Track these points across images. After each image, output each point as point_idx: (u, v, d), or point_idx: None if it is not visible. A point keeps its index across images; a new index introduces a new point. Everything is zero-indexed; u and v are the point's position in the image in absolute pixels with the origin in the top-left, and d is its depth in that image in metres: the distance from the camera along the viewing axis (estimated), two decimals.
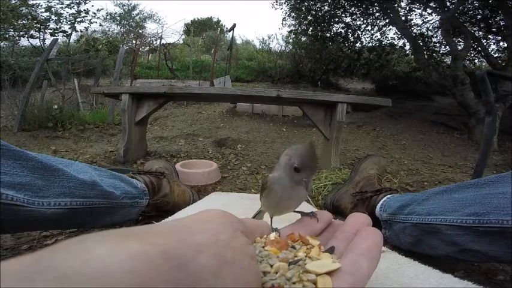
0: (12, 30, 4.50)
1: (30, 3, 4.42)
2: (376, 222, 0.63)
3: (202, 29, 11.86)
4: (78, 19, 4.82)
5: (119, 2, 9.93)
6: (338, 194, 0.81)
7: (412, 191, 1.08)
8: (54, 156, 0.89)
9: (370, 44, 4.90)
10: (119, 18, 9.65)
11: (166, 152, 1.60)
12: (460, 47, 3.18)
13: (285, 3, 4.72)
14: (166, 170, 0.85)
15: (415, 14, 4.29)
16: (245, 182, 1.15)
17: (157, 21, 10.73)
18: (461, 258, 0.47)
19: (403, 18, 3.96)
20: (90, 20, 4.96)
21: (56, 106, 2.40)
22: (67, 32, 4.84)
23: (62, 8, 4.65)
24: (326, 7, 4.37)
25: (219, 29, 10.13)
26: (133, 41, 8.00)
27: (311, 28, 4.70)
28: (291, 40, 5.74)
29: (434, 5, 3.45)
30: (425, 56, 3.39)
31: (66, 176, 0.47)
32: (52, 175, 0.45)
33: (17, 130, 2.12)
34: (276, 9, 4.95)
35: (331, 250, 0.22)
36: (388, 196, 0.65)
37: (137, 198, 0.63)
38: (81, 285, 0.10)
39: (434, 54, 4.38)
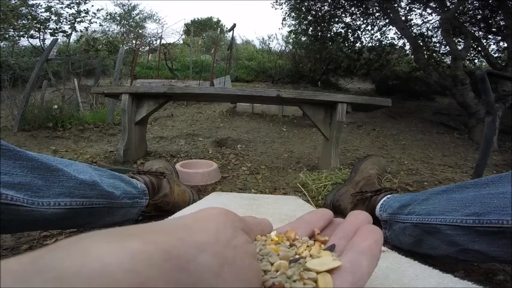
0: (12, 30, 4.50)
1: (30, 3, 4.42)
2: (376, 222, 0.63)
3: (202, 29, 11.86)
4: (78, 19, 4.83)
5: (119, 2, 9.94)
6: (338, 194, 0.81)
7: (412, 191, 1.08)
8: (54, 156, 0.89)
9: (370, 44, 4.90)
10: (119, 18, 9.64)
11: (166, 152, 1.60)
12: (460, 47, 3.18)
13: (285, 3, 4.72)
14: (166, 170, 0.85)
15: (415, 14, 4.30)
16: (245, 182, 1.15)
17: (157, 21, 10.73)
18: (461, 258, 0.47)
19: (403, 18, 3.96)
20: (90, 20, 4.96)
21: (56, 106, 2.40)
22: (67, 32, 4.85)
23: (62, 8, 4.66)
24: (326, 7, 4.37)
25: (219, 29, 10.13)
26: (133, 41, 8.01)
27: (311, 28, 4.70)
28: (291, 40, 5.74)
29: (434, 5, 3.45)
30: (425, 56, 3.39)
31: (66, 176, 0.47)
32: (52, 175, 0.45)
33: (17, 130, 2.12)
34: (276, 9, 4.96)
35: (331, 248, 0.22)
36: (388, 196, 0.65)
37: (137, 198, 0.63)
38: (80, 285, 0.10)
39: (434, 54, 4.38)
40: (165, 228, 0.16)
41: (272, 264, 0.18)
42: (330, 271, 0.18)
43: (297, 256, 0.20)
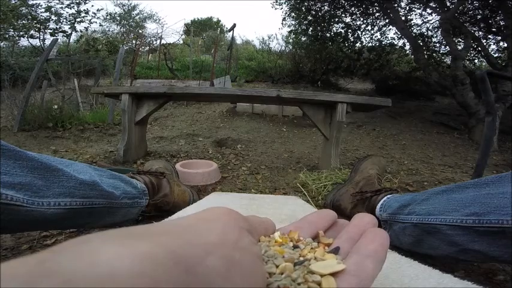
0: (12, 30, 4.50)
1: (30, 3, 4.42)
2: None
3: (202, 29, 11.86)
4: (78, 19, 4.83)
5: (119, 2, 9.93)
6: (338, 194, 0.81)
7: (412, 191, 1.08)
8: (54, 156, 0.89)
9: (370, 44, 4.90)
10: (118, 18, 9.64)
11: (166, 152, 1.60)
12: (460, 47, 3.18)
13: (285, 3, 4.72)
14: (166, 170, 0.85)
15: (415, 14, 4.30)
16: (245, 182, 1.15)
17: (157, 21, 10.72)
18: (461, 258, 0.47)
19: (403, 18, 3.96)
20: (90, 20, 4.96)
21: (56, 106, 2.40)
22: (67, 32, 4.84)
23: (62, 8, 4.66)
24: (326, 7, 4.37)
25: (219, 29, 10.13)
26: (133, 41, 8.01)
27: (311, 28, 4.70)
28: (291, 40, 5.73)
29: (434, 5, 3.45)
30: (425, 56, 3.39)
31: (66, 176, 0.47)
32: (52, 175, 0.45)
33: (17, 130, 2.12)
34: (276, 9, 4.95)
35: (336, 251, 0.22)
36: (388, 196, 0.65)
37: (137, 198, 0.63)
38: None
39: (434, 54, 4.38)
40: (172, 229, 0.16)
41: (277, 266, 0.18)
42: (334, 274, 0.18)
43: (302, 258, 0.20)
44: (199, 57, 7.29)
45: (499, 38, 3.82)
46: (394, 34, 5.23)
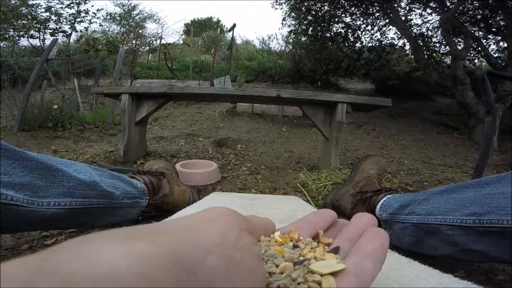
0: (12, 30, 4.50)
1: (30, 3, 4.43)
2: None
3: (202, 29, 11.86)
4: (78, 19, 4.84)
5: (119, 2, 9.94)
6: (338, 194, 0.81)
7: (412, 191, 1.08)
8: (54, 156, 0.89)
9: (370, 44, 4.90)
10: (118, 18, 9.65)
11: (166, 152, 1.60)
12: (460, 47, 3.18)
13: (285, 3, 4.72)
14: (166, 170, 0.85)
15: (415, 14, 4.30)
16: (245, 182, 1.15)
17: (157, 21, 10.75)
18: (461, 258, 0.47)
19: (403, 18, 3.96)
20: (90, 20, 4.97)
21: (56, 106, 2.40)
22: (67, 32, 4.85)
23: (61, 8, 4.67)
24: (326, 7, 4.37)
25: (219, 29, 10.12)
26: (133, 41, 8.01)
27: (311, 28, 4.70)
28: (291, 40, 5.74)
29: (434, 5, 3.45)
30: (425, 56, 3.40)
31: (66, 176, 0.47)
32: (52, 175, 0.45)
33: (17, 130, 2.12)
34: (276, 9, 4.95)
35: (335, 250, 0.22)
36: (388, 196, 0.65)
37: (137, 198, 0.63)
38: None
39: (434, 54, 4.39)
40: (171, 229, 0.16)
41: (277, 266, 0.18)
42: (334, 274, 0.18)
43: (302, 258, 0.20)
44: (199, 57, 7.29)
45: (499, 38, 3.82)
46: (394, 34, 5.25)
